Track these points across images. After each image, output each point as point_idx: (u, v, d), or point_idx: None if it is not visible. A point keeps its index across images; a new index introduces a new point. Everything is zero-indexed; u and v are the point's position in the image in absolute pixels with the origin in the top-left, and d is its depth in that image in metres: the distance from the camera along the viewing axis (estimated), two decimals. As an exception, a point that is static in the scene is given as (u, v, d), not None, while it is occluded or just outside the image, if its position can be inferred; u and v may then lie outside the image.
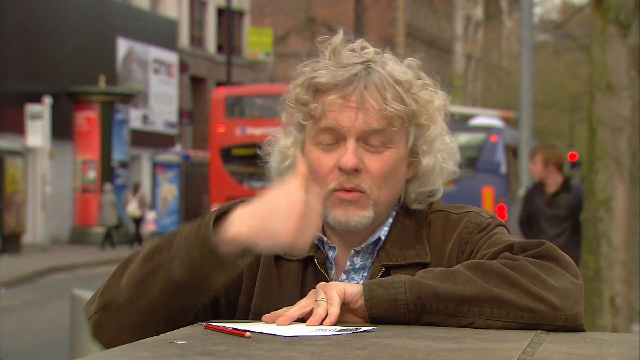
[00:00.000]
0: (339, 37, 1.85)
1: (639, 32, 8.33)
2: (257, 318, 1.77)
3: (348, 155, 1.79)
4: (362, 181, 1.79)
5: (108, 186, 24.17)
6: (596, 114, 7.57)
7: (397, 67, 1.83)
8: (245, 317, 1.83)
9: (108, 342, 1.72)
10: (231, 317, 1.84)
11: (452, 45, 58.50)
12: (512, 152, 17.66)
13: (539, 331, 1.61)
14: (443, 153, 1.86)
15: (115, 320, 1.71)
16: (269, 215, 1.62)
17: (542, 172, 8.03)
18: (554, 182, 7.90)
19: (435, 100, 1.85)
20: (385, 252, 1.82)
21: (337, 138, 1.80)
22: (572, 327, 1.63)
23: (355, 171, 1.79)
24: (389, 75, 1.81)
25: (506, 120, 23.34)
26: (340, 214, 1.80)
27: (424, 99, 1.83)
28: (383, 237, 1.83)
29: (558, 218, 8.06)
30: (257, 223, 1.62)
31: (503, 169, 18.36)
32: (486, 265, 1.66)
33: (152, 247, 1.71)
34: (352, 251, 1.84)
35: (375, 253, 1.84)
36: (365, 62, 1.82)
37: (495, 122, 20.72)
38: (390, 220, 1.85)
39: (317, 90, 1.81)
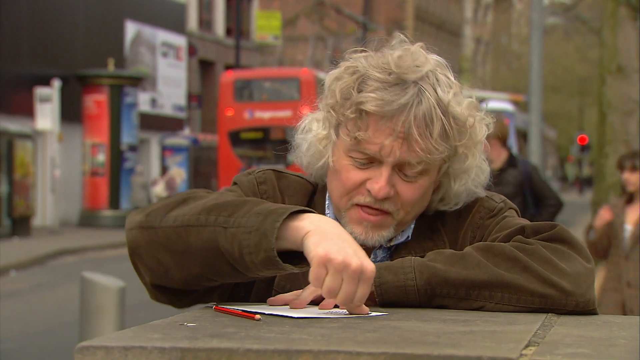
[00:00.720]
0: (397, 40, 1.78)
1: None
2: None
3: (381, 183, 1.74)
4: (392, 204, 1.77)
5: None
6: (606, 97, 7.55)
7: (448, 93, 1.75)
8: (265, 291, 1.80)
9: (139, 259, 1.69)
10: (250, 287, 1.81)
11: (461, 29, 58.28)
12: (523, 135, 17.66)
13: (550, 314, 1.60)
14: (473, 179, 1.82)
15: (149, 246, 1.67)
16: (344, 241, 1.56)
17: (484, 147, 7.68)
18: (497, 157, 6.85)
19: (479, 131, 1.79)
20: (405, 246, 1.82)
21: (373, 160, 1.76)
22: (584, 311, 1.63)
23: (385, 198, 1.77)
24: (438, 104, 1.73)
25: (515, 103, 23.32)
26: (359, 231, 1.78)
27: (468, 133, 1.77)
28: (410, 237, 1.82)
29: (506, 196, 7.35)
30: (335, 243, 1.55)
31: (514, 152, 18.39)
32: (497, 248, 1.65)
33: (217, 202, 1.64)
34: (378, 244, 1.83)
35: (394, 247, 1.84)
36: (419, 80, 1.73)
37: (507, 106, 20.72)
38: (414, 222, 1.83)
39: (364, 111, 1.73)
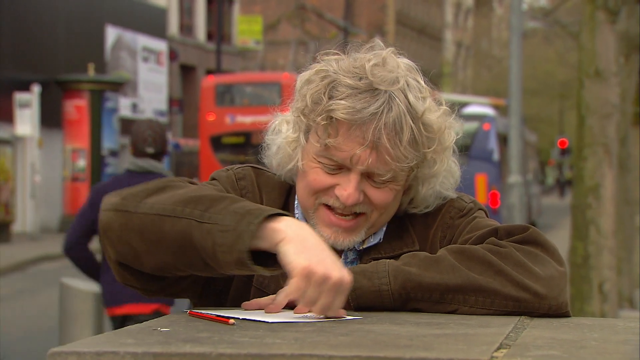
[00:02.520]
0: (368, 46, 1.78)
1: (628, 19, 8.34)
2: (258, 292, 1.76)
3: (349, 190, 1.74)
4: (364, 207, 1.77)
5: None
6: (585, 100, 7.58)
7: (417, 100, 1.76)
8: (244, 285, 1.79)
9: (109, 240, 1.68)
10: (230, 280, 1.80)
11: (442, 33, 58.46)
12: (504, 139, 17.73)
13: (522, 317, 1.62)
14: (442, 182, 1.82)
15: (122, 230, 1.65)
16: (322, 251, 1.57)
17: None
18: None
19: (447, 136, 1.80)
20: (374, 246, 1.82)
21: (341, 167, 1.76)
22: (557, 314, 1.64)
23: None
24: (408, 111, 1.73)
25: (496, 107, 23.41)
26: (328, 234, 1.77)
27: (437, 139, 1.77)
28: (381, 240, 1.82)
29: None
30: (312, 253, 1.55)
31: (496, 156, 18.49)
32: (471, 251, 1.66)
33: (195, 195, 1.63)
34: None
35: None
36: (389, 87, 1.73)
37: (488, 111, 20.81)
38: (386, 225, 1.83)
39: (333, 118, 1.73)
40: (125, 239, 1.66)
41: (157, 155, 5.47)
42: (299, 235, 1.56)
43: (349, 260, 1.83)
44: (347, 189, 1.75)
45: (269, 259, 1.59)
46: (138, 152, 5.34)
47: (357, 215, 1.78)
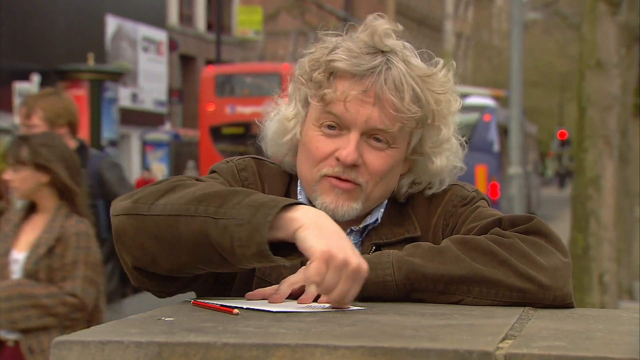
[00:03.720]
0: (369, 21, 1.80)
1: (629, 10, 8.33)
2: (261, 282, 1.76)
3: (349, 149, 1.75)
4: (360, 175, 1.77)
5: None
6: (586, 92, 7.58)
7: (418, 62, 1.79)
8: (247, 277, 1.79)
9: (124, 245, 1.66)
10: (233, 276, 1.80)
11: (442, 24, 58.37)
12: (504, 131, 17.73)
13: (527, 307, 1.61)
14: (452, 152, 1.83)
15: (136, 233, 1.64)
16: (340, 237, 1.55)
17: None
18: None
19: (452, 103, 1.81)
20: (375, 231, 1.82)
21: (341, 127, 1.76)
22: (561, 305, 1.63)
23: (353, 166, 1.77)
24: (409, 71, 1.76)
25: (496, 98, 23.39)
26: (329, 200, 1.77)
27: (442, 99, 1.78)
28: (380, 219, 1.82)
29: None
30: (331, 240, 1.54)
31: (496, 147, 18.50)
32: (475, 242, 1.65)
33: (207, 192, 1.61)
34: (348, 229, 1.83)
35: (366, 232, 1.83)
36: (387, 52, 1.76)
37: (488, 102, 20.80)
38: (385, 201, 1.84)
39: (333, 74, 1.75)
40: (140, 243, 1.64)
41: None
42: (317, 222, 1.56)
43: None
44: (346, 148, 1.75)
45: (286, 249, 1.58)
46: None
47: (354, 184, 1.78)
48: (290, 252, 1.58)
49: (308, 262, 1.55)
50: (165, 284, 1.72)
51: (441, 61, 1.82)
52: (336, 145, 1.77)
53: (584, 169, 7.62)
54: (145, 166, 24.59)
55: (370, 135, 1.76)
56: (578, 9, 13.09)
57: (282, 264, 1.58)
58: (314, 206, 1.73)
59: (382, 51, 1.76)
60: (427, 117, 1.78)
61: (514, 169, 12.36)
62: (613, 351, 1.26)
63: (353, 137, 1.75)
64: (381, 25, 1.78)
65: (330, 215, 1.67)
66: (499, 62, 41.80)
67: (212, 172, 1.86)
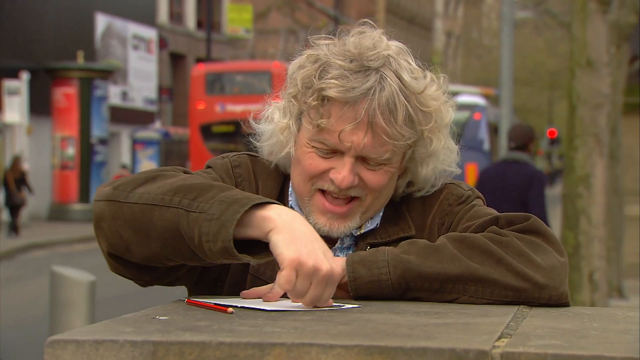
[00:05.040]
0: (358, 29, 1.78)
1: (619, 9, 8.35)
2: (255, 280, 1.75)
3: (344, 173, 1.73)
4: (359, 190, 1.76)
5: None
6: (576, 90, 7.59)
7: (411, 77, 1.75)
8: (240, 273, 1.79)
9: (101, 230, 1.67)
10: (225, 273, 1.79)
11: (432, 22, 58.41)
12: (495, 129, 17.75)
13: (522, 306, 1.61)
14: (441, 159, 1.81)
15: (113, 220, 1.65)
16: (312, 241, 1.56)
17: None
18: None
19: (445, 114, 1.79)
20: (370, 231, 1.81)
21: (335, 151, 1.75)
22: (557, 305, 1.63)
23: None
24: (402, 88, 1.73)
25: (486, 97, 23.43)
26: (322, 222, 1.76)
27: (433, 116, 1.76)
28: (379, 224, 1.81)
29: None
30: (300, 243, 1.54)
31: (486, 146, 18.52)
32: (472, 240, 1.64)
33: (184, 184, 1.61)
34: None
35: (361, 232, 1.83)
36: (380, 67, 1.73)
37: (478, 100, 20.83)
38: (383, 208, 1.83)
39: (326, 99, 1.73)
40: (116, 230, 1.64)
41: (520, 148, 7.23)
42: (289, 224, 1.55)
43: (345, 245, 1.82)
44: (341, 172, 1.74)
45: (262, 247, 1.58)
46: (508, 146, 7.40)
47: (351, 199, 1.77)
48: (262, 250, 1.58)
49: (279, 268, 1.55)
50: (140, 273, 1.71)
51: (429, 75, 1.79)
52: (331, 164, 1.76)
53: (574, 168, 7.63)
54: (122, 164, 24.52)
55: (364, 158, 1.75)
56: (568, 7, 13.11)
57: (247, 262, 1.58)
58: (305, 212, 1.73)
59: (376, 69, 1.73)
60: (419, 137, 1.77)
61: (504, 168, 12.35)
62: (609, 349, 1.26)
63: (347, 161, 1.74)
64: (371, 36, 1.76)
65: (324, 234, 1.68)
66: (488, 61, 41.88)
67: (208, 167, 1.86)
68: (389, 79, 1.73)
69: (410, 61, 1.78)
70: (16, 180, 20.56)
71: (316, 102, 1.73)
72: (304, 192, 1.79)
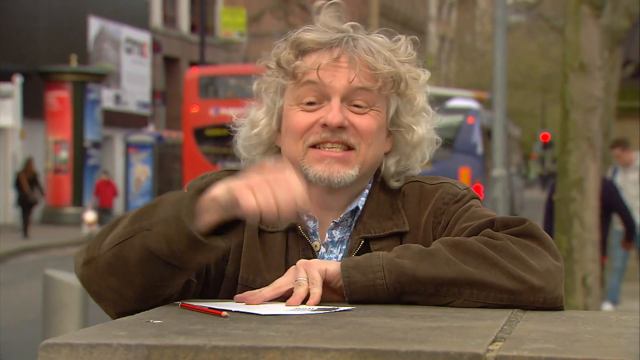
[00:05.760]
0: (324, 4, 1.83)
1: (612, 13, 8.37)
2: (244, 290, 1.75)
3: (334, 111, 1.76)
4: (351, 136, 1.78)
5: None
6: (569, 94, 7.60)
7: (380, 38, 1.83)
8: (232, 287, 1.79)
9: (95, 294, 1.70)
10: (219, 286, 1.80)
11: (425, 26, 58.48)
12: (488, 133, 17.77)
13: (515, 310, 1.61)
14: (428, 123, 1.85)
15: (97, 277, 1.67)
16: (263, 185, 1.56)
17: None
18: None
19: (420, 74, 1.84)
20: (363, 225, 1.81)
21: (321, 97, 1.78)
22: (551, 308, 1.63)
23: (341, 128, 1.77)
24: (374, 43, 1.80)
25: (479, 100, 23.45)
26: (322, 169, 1.77)
27: (410, 66, 1.82)
28: (361, 207, 1.82)
29: None
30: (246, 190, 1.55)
31: (479, 150, 18.53)
32: (467, 244, 1.64)
33: (139, 210, 1.66)
34: (332, 223, 1.82)
35: (354, 225, 1.82)
36: (350, 30, 1.81)
37: (472, 104, 20.85)
38: (367, 191, 1.84)
39: (303, 50, 1.78)
40: (104, 285, 1.67)
41: None
42: (230, 183, 1.57)
43: (336, 239, 1.82)
44: (330, 111, 1.77)
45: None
46: None
47: (346, 150, 1.78)
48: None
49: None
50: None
51: (402, 37, 1.85)
52: (319, 115, 1.78)
53: (568, 171, 7.64)
54: (104, 170, 24.47)
55: (350, 101, 1.78)
56: (561, 11, 13.15)
57: (222, 246, 1.59)
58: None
59: (346, 30, 1.81)
60: (401, 80, 1.80)
61: (498, 171, 12.38)
62: (602, 353, 1.26)
63: (335, 102, 1.77)
64: (333, 12, 1.83)
65: (325, 183, 1.72)
66: (482, 65, 41.94)
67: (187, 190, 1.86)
68: (359, 35, 1.81)
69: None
70: (29, 181, 20.94)
71: (291, 54, 1.78)
72: (297, 154, 1.80)
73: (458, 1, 60.16)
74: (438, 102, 1.92)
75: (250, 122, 1.86)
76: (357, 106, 1.79)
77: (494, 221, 1.70)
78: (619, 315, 1.58)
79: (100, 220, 21.10)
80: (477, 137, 18.61)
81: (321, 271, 1.63)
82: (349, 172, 1.78)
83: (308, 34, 1.78)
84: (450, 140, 17.14)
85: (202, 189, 1.60)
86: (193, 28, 34.80)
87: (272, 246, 1.81)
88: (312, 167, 1.78)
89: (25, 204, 20.81)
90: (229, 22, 35.31)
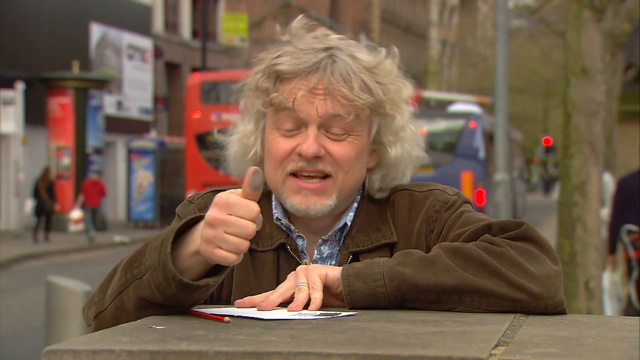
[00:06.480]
0: (300, 21, 1.81)
1: (613, 17, 8.37)
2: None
3: (309, 141, 1.75)
4: (327, 165, 1.77)
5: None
6: (571, 98, 7.60)
7: (363, 54, 1.79)
8: (227, 304, 1.80)
9: None
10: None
11: (427, 31, 58.53)
12: (490, 137, 17.77)
13: (518, 314, 1.61)
14: (409, 141, 1.83)
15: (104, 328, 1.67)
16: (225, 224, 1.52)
17: None
18: None
19: (403, 89, 1.82)
20: (352, 239, 1.81)
21: (299, 124, 1.77)
22: (553, 313, 1.63)
23: (317, 158, 1.76)
24: (355, 64, 1.77)
25: (481, 105, 23.46)
26: (298, 201, 1.77)
27: (390, 88, 1.79)
28: (349, 223, 1.81)
29: None
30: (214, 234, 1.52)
31: (481, 154, 18.54)
32: (466, 251, 1.64)
33: (131, 256, 1.66)
34: (320, 240, 1.82)
35: (342, 240, 1.82)
36: (329, 48, 1.78)
37: (474, 109, 20.86)
38: (355, 205, 1.83)
39: (279, 78, 1.77)
40: None
41: None
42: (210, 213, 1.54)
43: (325, 255, 1.82)
44: (306, 141, 1.76)
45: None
46: None
47: (323, 178, 1.78)
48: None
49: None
50: None
51: (384, 50, 1.83)
52: (296, 142, 1.77)
53: (570, 175, 7.63)
54: (92, 169, 24.45)
55: (327, 128, 1.77)
56: (562, 16, 13.15)
57: (212, 284, 1.58)
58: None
59: (325, 49, 1.77)
60: (380, 105, 1.78)
61: (500, 176, 12.38)
62: (606, 357, 1.26)
63: (311, 130, 1.76)
64: (316, 28, 1.80)
65: (303, 215, 1.72)
66: (484, 69, 41.93)
67: (177, 216, 1.86)
68: (340, 55, 1.77)
69: (363, 52, 1.81)
70: (46, 189, 21.28)
71: (268, 82, 1.77)
72: (277, 181, 1.80)
73: (459, 6, 60.20)
74: (439, 106, 1.91)
75: (239, 140, 1.85)
76: (335, 133, 1.77)
77: (491, 225, 1.69)
78: (622, 320, 1.57)
79: (85, 219, 21.36)
80: (479, 142, 18.62)
81: (321, 276, 1.63)
82: (326, 203, 1.77)
83: (283, 62, 1.76)
84: (453, 145, 17.18)
85: (181, 230, 1.58)
86: (195, 34, 34.83)
87: (264, 265, 1.81)
88: (289, 198, 1.78)
89: (42, 211, 21.10)
90: (231, 28, 35.34)
